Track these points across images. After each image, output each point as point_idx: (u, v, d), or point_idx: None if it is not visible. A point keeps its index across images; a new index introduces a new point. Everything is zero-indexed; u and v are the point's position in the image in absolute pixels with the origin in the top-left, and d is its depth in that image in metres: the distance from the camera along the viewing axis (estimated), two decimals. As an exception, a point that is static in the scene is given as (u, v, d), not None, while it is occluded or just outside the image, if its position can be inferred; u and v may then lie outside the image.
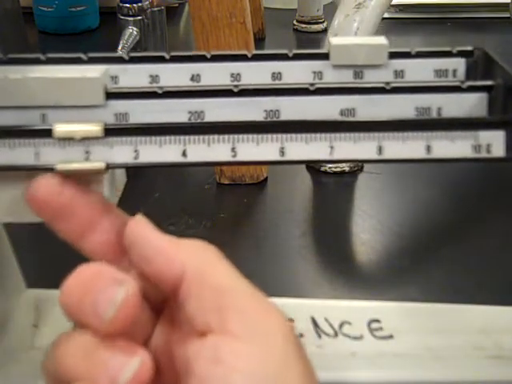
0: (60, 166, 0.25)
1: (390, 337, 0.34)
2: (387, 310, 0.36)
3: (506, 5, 0.89)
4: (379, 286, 0.46)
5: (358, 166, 0.60)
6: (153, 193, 0.57)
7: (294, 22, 1.03)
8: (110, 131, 0.25)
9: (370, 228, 0.52)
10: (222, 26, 0.52)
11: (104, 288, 0.21)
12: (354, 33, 0.55)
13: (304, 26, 1.02)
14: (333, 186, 0.59)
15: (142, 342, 0.23)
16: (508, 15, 0.86)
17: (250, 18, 0.54)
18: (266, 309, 0.22)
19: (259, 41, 0.95)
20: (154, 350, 0.23)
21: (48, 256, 0.48)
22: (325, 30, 1.00)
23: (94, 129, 0.25)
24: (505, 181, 0.59)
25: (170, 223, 0.52)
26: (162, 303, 0.24)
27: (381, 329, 0.35)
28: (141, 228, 0.23)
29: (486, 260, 0.48)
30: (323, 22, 1.02)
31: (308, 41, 1.00)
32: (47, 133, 0.25)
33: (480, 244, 0.50)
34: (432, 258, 0.48)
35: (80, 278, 0.22)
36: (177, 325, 0.23)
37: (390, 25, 1.02)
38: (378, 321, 0.35)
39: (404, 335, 0.34)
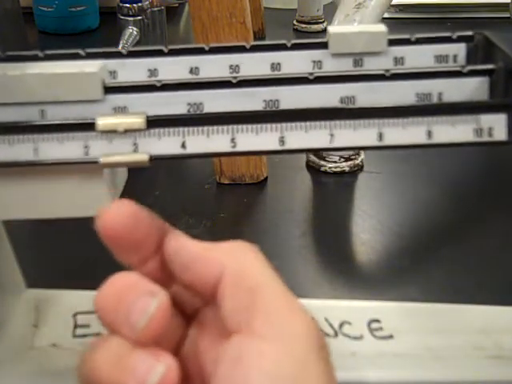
0: (103, 159, 0.25)
1: (390, 337, 0.34)
2: (387, 310, 0.36)
3: (506, 5, 0.89)
4: (379, 286, 0.46)
5: (358, 165, 0.60)
6: (153, 192, 0.57)
7: (294, 22, 1.03)
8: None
9: (370, 228, 0.52)
10: (221, 26, 0.52)
11: (137, 298, 0.21)
12: (354, 33, 0.55)
13: (304, 26, 1.02)
14: (333, 186, 0.59)
15: (173, 349, 0.23)
16: (508, 15, 0.86)
17: (250, 17, 0.54)
18: (293, 310, 0.22)
19: (259, 40, 0.95)
20: (184, 356, 0.24)
21: (48, 256, 0.48)
22: (325, 30, 1.00)
23: (137, 121, 0.25)
24: (505, 181, 0.59)
25: (170, 223, 0.52)
26: (194, 311, 0.25)
27: (381, 329, 0.35)
28: (178, 240, 0.24)
29: (486, 260, 0.48)
30: (323, 21, 1.02)
31: (308, 41, 1.00)
32: (90, 126, 0.25)
33: (480, 244, 0.50)
34: (432, 258, 0.48)
35: (114, 286, 0.22)
36: (208, 331, 0.23)
37: (390, 25, 1.01)
38: (377, 321, 0.35)
39: (404, 335, 0.34)
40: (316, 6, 1.01)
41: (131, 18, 0.80)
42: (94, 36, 0.99)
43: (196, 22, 0.53)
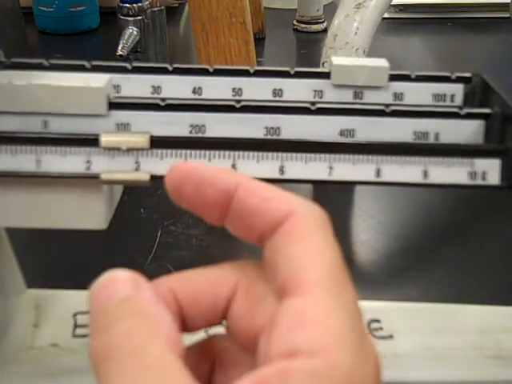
0: (104, 176, 0.25)
1: (390, 337, 0.34)
2: (387, 310, 0.36)
3: (506, 5, 0.89)
4: (379, 286, 0.46)
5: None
6: (153, 192, 0.56)
7: (294, 22, 1.03)
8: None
9: (369, 228, 0.52)
10: (221, 26, 0.52)
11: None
12: (354, 33, 0.55)
13: (304, 26, 1.02)
14: (333, 186, 0.59)
15: None
16: (508, 15, 0.86)
17: (250, 17, 0.54)
18: (346, 282, 0.21)
19: (259, 41, 0.95)
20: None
21: (48, 256, 0.48)
22: (325, 30, 1.00)
23: (141, 140, 0.25)
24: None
25: (170, 223, 0.52)
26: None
27: (381, 329, 0.35)
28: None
29: (486, 260, 0.48)
30: (323, 21, 1.02)
31: (308, 41, 1.00)
32: (94, 142, 0.25)
33: (480, 244, 0.50)
34: (432, 258, 0.48)
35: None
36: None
37: (390, 25, 1.02)
38: (377, 321, 0.35)
39: (404, 335, 0.34)
40: (316, 6, 1.01)
41: (131, 18, 0.80)
42: (94, 36, 0.99)
43: (196, 22, 0.53)
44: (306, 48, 0.99)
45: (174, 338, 0.19)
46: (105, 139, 0.25)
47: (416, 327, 0.35)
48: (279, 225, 0.20)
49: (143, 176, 0.25)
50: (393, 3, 0.85)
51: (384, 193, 0.58)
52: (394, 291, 0.45)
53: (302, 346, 0.17)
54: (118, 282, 0.20)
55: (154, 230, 0.50)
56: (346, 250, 0.50)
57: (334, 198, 0.58)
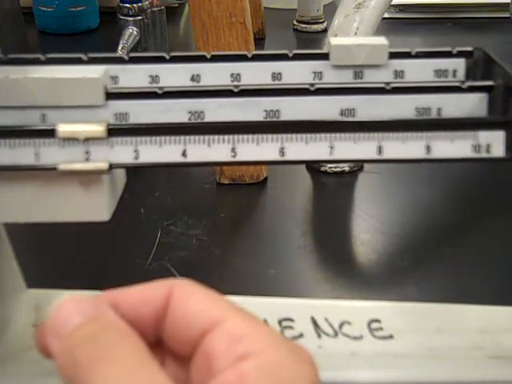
0: (62, 166, 0.25)
1: (390, 337, 0.34)
2: (387, 310, 0.36)
3: (506, 5, 0.89)
4: (379, 286, 0.46)
5: (358, 165, 0.60)
6: (153, 192, 0.57)
7: (294, 22, 1.03)
8: (112, 131, 0.25)
9: (370, 228, 0.52)
10: (221, 26, 0.52)
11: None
12: (354, 33, 0.55)
13: (304, 26, 1.02)
14: (333, 186, 0.59)
15: None
16: (508, 15, 0.86)
17: (250, 17, 0.54)
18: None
19: (259, 41, 0.95)
20: None
21: (48, 256, 0.48)
22: (325, 30, 1.00)
23: (98, 129, 0.25)
24: (505, 181, 0.59)
25: (170, 223, 0.52)
26: None
27: (381, 329, 0.35)
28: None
29: (486, 260, 0.48)
30: (323, 22, 1.02)
31: (308, 41, 1.00)
32: (50, 133, 0.25)
33: (480, 244, 0.50)
34: (432, 258, 0.48)
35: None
36: None
37: (390, 25, 1.02)
38: (378, 321, 0.35)
39: (404, 335, 0.34)
40: (316, 6, 1.01)
41: (131, 18, 0.80)
42: (94, 36, 0.99)
43: (196, 22, 0.53)
44: (306, 48, 0.99)
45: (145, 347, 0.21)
46: (61, 130, 0.25)
47: (416, 327, 0.35)
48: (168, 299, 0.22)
49: (101, 166, 0.25)
50: (393, 3, 0.85)
51: (384, 193, 0.58)
52: (394, 291, 0.45)
53: (248, 350, 0.19)
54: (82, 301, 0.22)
55: (154, 230, 0.50)
56: (346, 250, 0.50)
57: (334, 198, 0.58)
